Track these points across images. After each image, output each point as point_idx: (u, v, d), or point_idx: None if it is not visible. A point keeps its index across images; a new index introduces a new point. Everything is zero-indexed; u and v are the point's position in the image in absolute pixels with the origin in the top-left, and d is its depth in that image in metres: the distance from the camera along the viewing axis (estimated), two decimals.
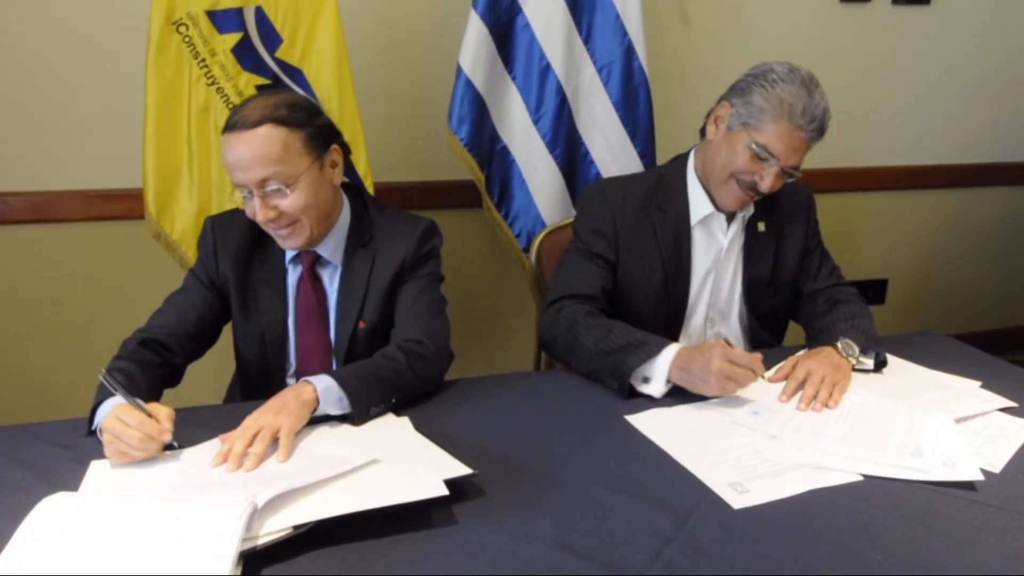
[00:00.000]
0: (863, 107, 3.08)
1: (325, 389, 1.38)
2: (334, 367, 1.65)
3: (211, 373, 1.86)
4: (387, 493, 1.12)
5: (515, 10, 2.29)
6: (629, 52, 2.36)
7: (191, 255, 2.07)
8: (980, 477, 1.26)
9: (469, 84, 2.29)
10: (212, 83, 2.05)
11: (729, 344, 1.50)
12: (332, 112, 2.09)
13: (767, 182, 1.66)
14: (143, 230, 2.15)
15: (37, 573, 0.99)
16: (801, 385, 1.55)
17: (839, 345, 1.64)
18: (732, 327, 1.89)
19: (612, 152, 2.42)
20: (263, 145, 1.44)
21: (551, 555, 1.07)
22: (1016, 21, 3.21)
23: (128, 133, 2.23)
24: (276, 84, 2.10)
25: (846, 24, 2.98)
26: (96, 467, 1.27)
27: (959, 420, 1.44)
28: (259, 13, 2.04)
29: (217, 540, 1.01)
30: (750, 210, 1.81)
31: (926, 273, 3.48)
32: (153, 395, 1.46)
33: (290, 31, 2.07)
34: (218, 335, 1.70)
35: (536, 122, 2.37)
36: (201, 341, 1.64)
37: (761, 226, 1.84)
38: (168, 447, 1.28)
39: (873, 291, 3.38)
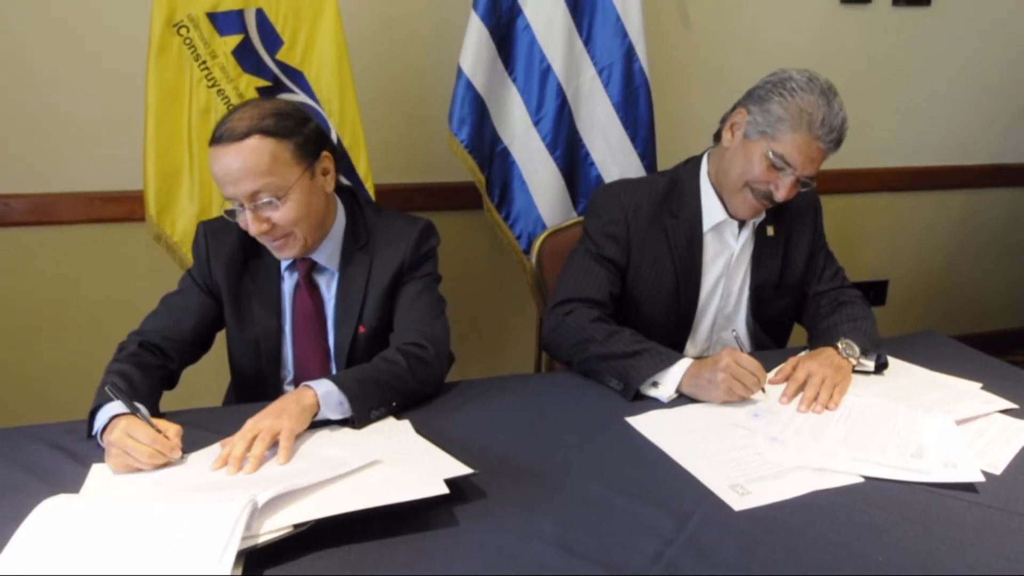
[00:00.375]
0: (864, 108, 3.08)
1: (325, 393, 1.38)
2: (333, 373, 1.64)
3: (210, 377, 1.86)
4: (388, 492, 1.12)
5: (515, 11, 2.29)
6: (629, 54, 2.35)
7: (192, 257, 2.07)
8: (981, 478, 1.26)
9: (470, 85, 2.29)
10: (213, 85, 2.05)
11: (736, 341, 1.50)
12: (333, 114, 2.11)
13: (782, 191, 1.65)
14: (144, 232, 2.15)
15: (38, 573, 0.99)
16: (802, 387, 1.55)
17: (839, 345, 1.64)
18: (738, 331, 1.89)
19: (612, 154, 2.42)
20: (251, 157, 1.42)
21: (552, 556, 1.06)
22: (1017, 22, 3.21)
23: (129, 135, 2.23)
24: (277, 86, 2.10)
25: (847, 25, 2.98)
26: (97, 470, 1.27)
27: (960, 421, 1.44)
28: (260, 15, 2.04)
29: (217, 539, 1.01)
30: (761, 215, 1.80)
31: (927, 274, 3.48)
32: (154, 399, 1.46)
33: (291, 33, 2.07)
34: (213, 340, 1.68)
35: (536, 123, 2.37)
36: (197, 346, 1.63)
37: (770, 230, 1.83)
38: None
39: (874, 292, 3.38)
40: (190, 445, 1.31)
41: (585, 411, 1.51)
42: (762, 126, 1.64)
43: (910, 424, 1.42)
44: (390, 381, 1.46)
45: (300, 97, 2.10)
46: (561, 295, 1.76)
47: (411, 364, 1.50)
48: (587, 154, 2.44)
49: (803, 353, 1.68)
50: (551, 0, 2.28)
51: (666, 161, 2.10)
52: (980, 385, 1.61)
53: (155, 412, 1.41)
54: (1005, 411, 1.51)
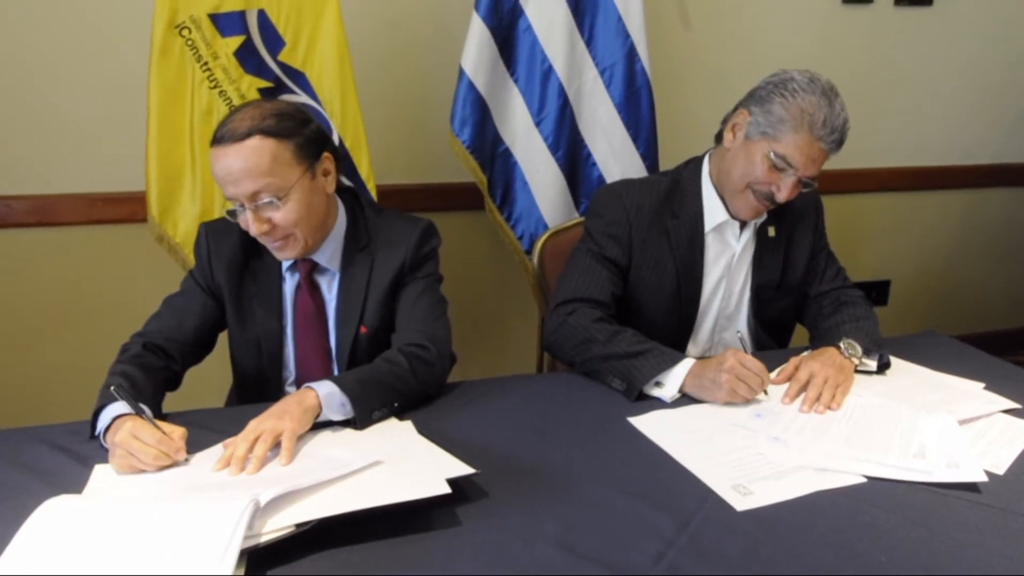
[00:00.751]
0: (865, 108, 3.08)
1: (327, 395, 1.38)
2: (335, 374, 1.64)
3: (212, 378, 1.86)
4: (389, 492, 1.12)
5: (517, 12, 2.29)
6: (631, 54, 2.35)
7: (193, 258, 2.07)
8: (983, 479, 1.26)
9: (471, 86, 2.29)
10: (215, 86, 2.05)
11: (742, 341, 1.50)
12: (334, 115, 2.11)
13: (784, 192, 1.65)
14: (145, 233, 2.15)
15: (40, 574, 0.99)
16: (804, 387, 1.54)
17: (842, 346, 1.64)
18: (741, 331, 1.89)
19: (614, 154, 2.42)
20: (252, 157, 1.42)
21: (553, 556, 1.06)
22: (1018, 22, 3.21)
23: (130, 136, 2.23)
24: (279, 87, 2.10)
25: (848, 25, 2.98)
26: (100, 471, 1.27)
27: (962, 421, 1.44)
28: (262, 16, 2.05)
29: (220, 538, 1.01)
30: (762, 216, 1.80)
31: (929, 274, 3.47)
32: (157, 400, 1.46)
33: (292, 34, 2.07)
34: (215, 341, 1.69)
35: (538, 124, 2.37)
36: (200, 347, 1.64)
37: (771, 231, 1.83)
38: None
39: (876, 292, 3.38)
40: (193, 446, 1.31)
41: (587, 411, 1.51)
42: (763, 127, 1.64)
43: (912, 424, 1.42)
44: (392, 382, 1.46)
45: (302, 98, 2.11)
46: (563, 295, 1.76)
47: (413, 365, 1.50)
48: (589, 154, 2.44)
49: (805, 353, 1.68)
50: (553, 1, 2.29)
51: (667, 161, 2.10)
52: (983, 385, 1.61)
53: (158, 413, 1.41)
54: (1008, 411, 1.51)
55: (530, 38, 2.31)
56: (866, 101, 3.06)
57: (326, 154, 1.55)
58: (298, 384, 1.64)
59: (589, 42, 2.36)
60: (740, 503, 1.19)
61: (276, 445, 1.28)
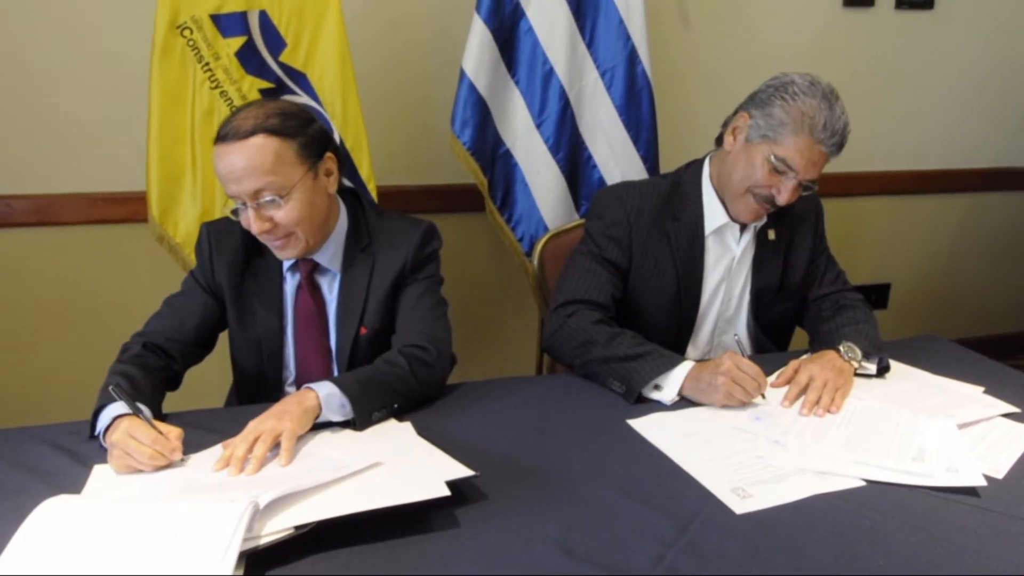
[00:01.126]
0: (866, 111, 3.08)
1: (327, 396, 1.38)
2: (335, 375, 1.64)
3: (212, 379, 1.86)
4: (389, 494, 1.12)
5: (518, 14, 2.29)
6: (632, 56, 2.36)
7: (194, 258, 2.07)
8: (983, 483, 1.26)
9: (472, 88, 2.29)
10: (216, 87, 2.05)
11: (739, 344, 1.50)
12: (335, 115, 2.11)
13: (784, 195, 1.65)
14: (146, 233, 2.15)
15: (39, 574, 0.99)
16: (803, 390, 1.54)
17: (841, 349, 1.64)
18: (739, 334, 1.89)
19: (615, 156, 2.42)
20: (256, 156, 1.43)
21: (553, 558, 1.06)
22: (1019, 25, 3.21)
23: (131, 136, 2.23)
24: (280, 88, 2.10)
25: (849, 28, 2.98)
26: (99, 471, 1.27)
27: (962, 425, 1.44)
28: (263, 17, 2.05)
29: (219, 540, 1.01)
30: (762, 219, 1.80)
31: (929, 278, 3.47)
32: (157, 400, 1.46)
33: (294, 35, 2.07)
34: (216, 341, 1.69)
35: (539, 126, 2.37)
36: (200, 347, 1.64)
37: (771, 234, 1.83)
38: None
39: (876, 296, 3.38)
40: (192, 446, 1.31)
41: (587, 413, 1.51)
42: (764, 130, 1.64)
43: (912, 428, 1.42)
44: (392, 383, 1.46)
45: (303, 99, 2.11)
46: (563, 297, 1.76)
47: (413, 366, 1.50)
48: (589, 156, 2.44)
49: (805, 356, 1.68)
50: (554, 2, 2.29)
51: (668, 163, 2.10)
52: (982, 389, 1.61)
53: (158, 413, 1.42)
54: (1007, 415, 1.51)
55: (531, 40, 2.31)
56: (867, 104, 3.06)
57: (328, 154, 1.55)
58: (298, 384, 1.64)
59: (590, 44, 2.36)
60: (739, 506, 1.19)
61: (276, 446, 1.28)
